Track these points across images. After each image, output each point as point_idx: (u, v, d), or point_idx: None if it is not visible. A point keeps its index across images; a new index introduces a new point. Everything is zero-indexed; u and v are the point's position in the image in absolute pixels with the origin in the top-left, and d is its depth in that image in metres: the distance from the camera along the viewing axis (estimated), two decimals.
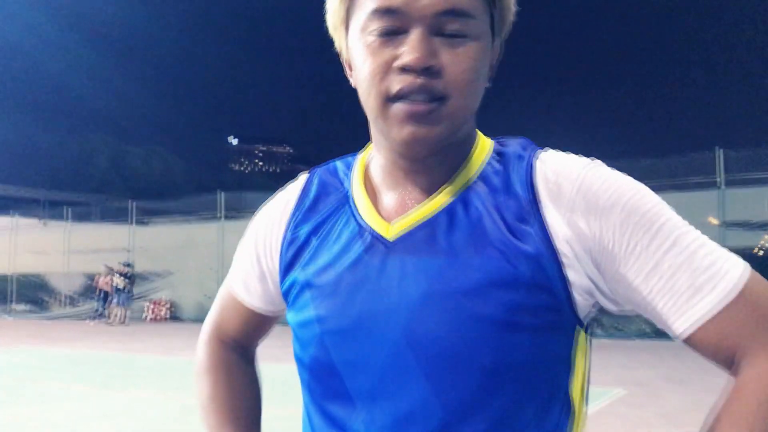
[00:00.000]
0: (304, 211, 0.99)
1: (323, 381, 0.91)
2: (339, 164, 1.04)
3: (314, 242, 0.96)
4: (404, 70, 0.82)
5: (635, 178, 0.85)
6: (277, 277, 1.01)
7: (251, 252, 1.06)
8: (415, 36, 0.82)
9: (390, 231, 0.89)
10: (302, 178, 1.06)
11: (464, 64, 0.83)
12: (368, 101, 0.86)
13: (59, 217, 27.43)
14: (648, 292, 0.81)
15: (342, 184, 0.99)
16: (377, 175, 0.96)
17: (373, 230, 0.90)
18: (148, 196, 31.58)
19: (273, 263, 1.02)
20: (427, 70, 0.81)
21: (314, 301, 0.92)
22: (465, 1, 0.83)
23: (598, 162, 0.88)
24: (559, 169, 0.87)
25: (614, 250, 0.82)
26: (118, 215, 24.82)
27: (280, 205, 1.03)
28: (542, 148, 0.92)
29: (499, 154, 0.92)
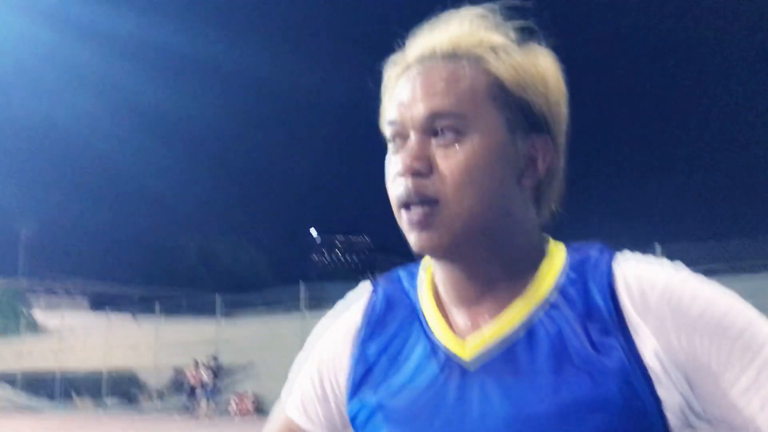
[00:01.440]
0: (371, 327, 0.93)
1: None
2: (402, 274, 0.98)
3: (384, 361, 0.90)
4: (401, 175, 0.83)
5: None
6: (342, 400, 0.95)
7: (313, 372, 0.99)
8: (409, 141, 0.83)
9: (465, 350, 0.84)
10: (366, 291, 0.99)
11: (458, 162, 0.81)
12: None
13: (149, 311, 28.36)
14: (748, 411, 0.74)
15: (408, 296, 0.94)
16: (442, 285, 0.90)
17: (448, 349, 0.85)
18: (233, 289, 32.30)
19: (339, 384, 0.95)
20: (416, 172, 0.81)
21: (387, 425, 0.86)
22: (451, 103, 0.81)
23: (682, 267, 0.83)
24: (642, 275, 0.81)
25: (708, 365, 0.76)
26: (204, 309, 25.43)
27: (345, 322, 0.97)
28: (619, 252, 0.86)
29: (575, 262, 0.86)
